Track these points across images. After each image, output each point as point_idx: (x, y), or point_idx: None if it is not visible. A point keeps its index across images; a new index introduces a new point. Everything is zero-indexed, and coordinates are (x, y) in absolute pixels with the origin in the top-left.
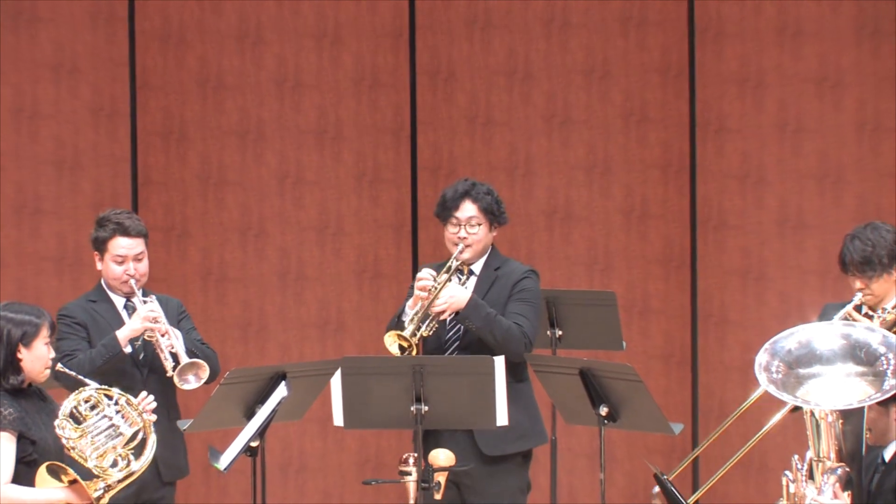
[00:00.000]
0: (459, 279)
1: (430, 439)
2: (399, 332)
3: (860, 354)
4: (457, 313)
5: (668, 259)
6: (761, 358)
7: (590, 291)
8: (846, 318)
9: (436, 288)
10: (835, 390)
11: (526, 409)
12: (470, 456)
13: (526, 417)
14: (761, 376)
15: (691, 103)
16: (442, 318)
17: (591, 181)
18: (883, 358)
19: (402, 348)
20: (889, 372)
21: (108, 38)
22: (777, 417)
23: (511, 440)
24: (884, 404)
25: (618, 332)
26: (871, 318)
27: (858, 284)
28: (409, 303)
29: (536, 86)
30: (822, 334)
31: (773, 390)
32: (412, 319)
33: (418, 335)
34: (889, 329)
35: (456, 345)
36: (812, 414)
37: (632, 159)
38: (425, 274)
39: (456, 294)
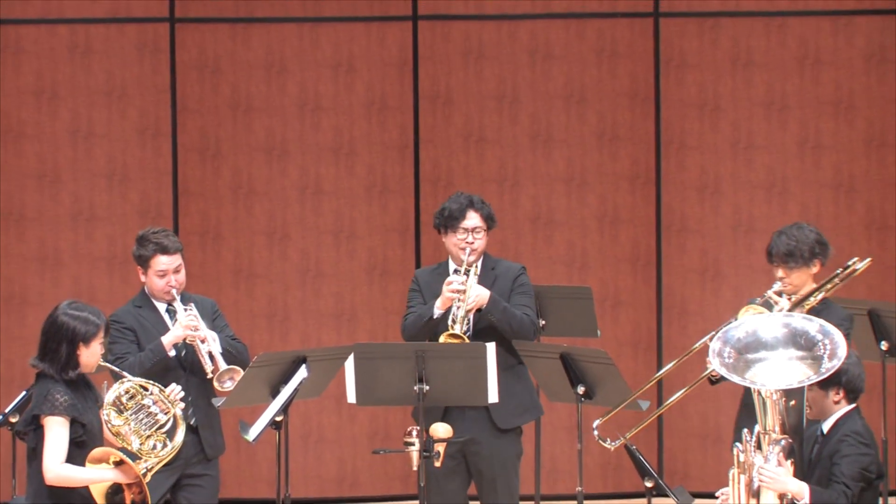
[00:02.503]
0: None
1: (448, 414)
2: (452, 333)
3: (800, 341)
4: (479, 309)
5: (636, 258)
6: (714, 345)
7: (569, 287)
8: (768, 300)
9: (466, 288)
10: (778, 372)
11: (527, 387)
12: (483, 427)
13: (527, 394)
14: (715, 361)
15: (656, 124)
16: (471, 314)
17: (570, 191)
18: (820, 343)
19: None
20: (825, 356)
21: (152, 67)
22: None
23: (519, 414)
24: (822, 385)
25: (593, 321)
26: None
27: (780, 273)
28: (439, 303)
29: (522, 109)
30: (767, 324)
31: (724, 373)
32: (454, 320)
33: (463, 330)
34: (797, 306)
35: (468, 335)
36: (759, 393)
37: (605, 172)
38: (455, 279)
39: (481, 293)
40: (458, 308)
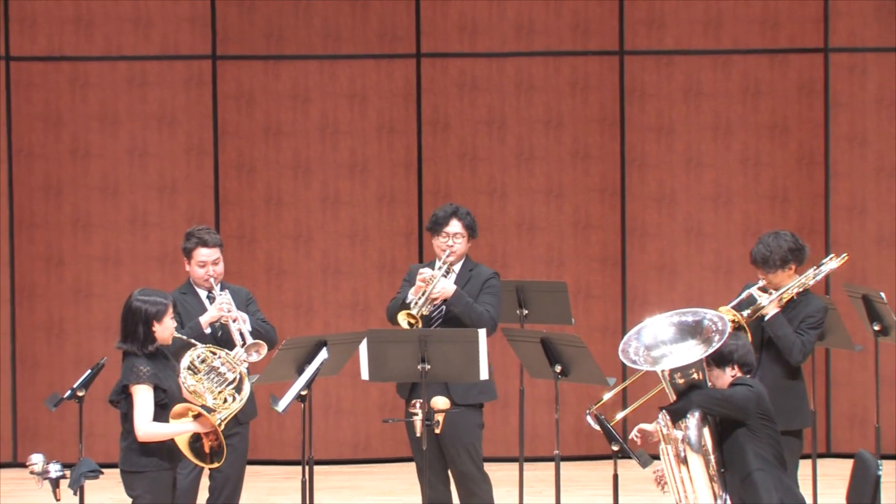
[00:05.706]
0: (444, 276)
1: (417, 391)
2: (409, 312)
3: (693, 331)
4: (444, 300)
5: (605, 258)
6: (630, 345)
7: (548, 282)
8: (759, 290)
9: (433, 280)
10: (681, 361)
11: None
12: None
13: (486, 380)
14: (627, 361)
15: (621, 145)
16: (435, 303)
17: (549, 201)
18: (710, 325)
19: (409, 324)
20: (716, 336)
21: (197, 97)
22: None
23: (474, 394)
24: (719, 365)
25: (568, 311)
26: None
27: (760, 275)
28: (412, 290)
29: (509, 132)
30: (663, 324)
31: (636, 367)
32: (415, 303)
33: (420, 312)
34: (780, 299)
35: (440, 320)
36: (664, 376)
37: (578, 185)
38: (426, 271)
39: (446, 286)
40: (423, 294)
